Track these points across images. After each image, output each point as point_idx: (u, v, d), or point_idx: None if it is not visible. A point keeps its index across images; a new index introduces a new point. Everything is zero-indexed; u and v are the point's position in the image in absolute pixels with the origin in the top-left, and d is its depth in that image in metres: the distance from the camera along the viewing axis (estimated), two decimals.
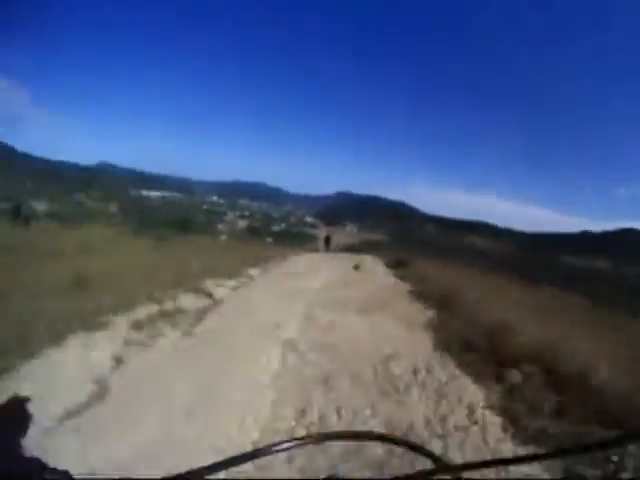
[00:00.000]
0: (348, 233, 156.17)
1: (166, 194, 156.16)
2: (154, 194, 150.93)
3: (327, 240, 30.45)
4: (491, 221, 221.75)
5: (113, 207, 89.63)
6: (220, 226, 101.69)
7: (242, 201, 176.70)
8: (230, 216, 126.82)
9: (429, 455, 0.73)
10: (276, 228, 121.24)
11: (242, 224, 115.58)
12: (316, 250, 31.87)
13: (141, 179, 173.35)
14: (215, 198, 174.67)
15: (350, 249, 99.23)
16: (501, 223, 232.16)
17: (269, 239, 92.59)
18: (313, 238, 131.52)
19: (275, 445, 0.67)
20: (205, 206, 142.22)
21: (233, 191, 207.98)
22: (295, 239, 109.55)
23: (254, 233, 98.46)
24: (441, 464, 0.69)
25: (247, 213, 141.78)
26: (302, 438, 0.70)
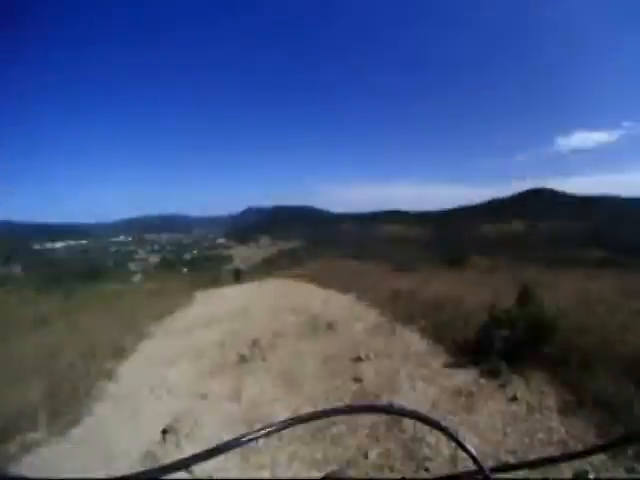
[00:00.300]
0: (263, 247, 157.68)
1: (72, 242, 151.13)
2: (59, 245, 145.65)
3: (236, 274, 30.19)
4: (405, 208, 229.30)
5: (16, 268, 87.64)
6: (132, 265, 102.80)
7: (150, 235, 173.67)
8: (141, 253, 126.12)
9: (438, 427, 0.70)
10: (188, 256, 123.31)
11: (154, 259, 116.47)
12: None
13: (44, 231, 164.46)
14: (122, 237, 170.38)
15: (268, 262, 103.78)
16: (415, 208, 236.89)
17: (184, 269, 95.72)
18: (229, 259, 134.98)
19: (268, 426, 0.66)
20: (113, 248, 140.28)
21: (139, 227, 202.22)
22: (210, 263, 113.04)
23: (167, 266, 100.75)
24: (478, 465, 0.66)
25: (157, 247, 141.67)
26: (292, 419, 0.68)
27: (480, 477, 0.66)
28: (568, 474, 2.41)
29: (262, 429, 0.65)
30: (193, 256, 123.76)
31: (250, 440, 0.62)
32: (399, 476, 2.66)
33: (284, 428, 0.66)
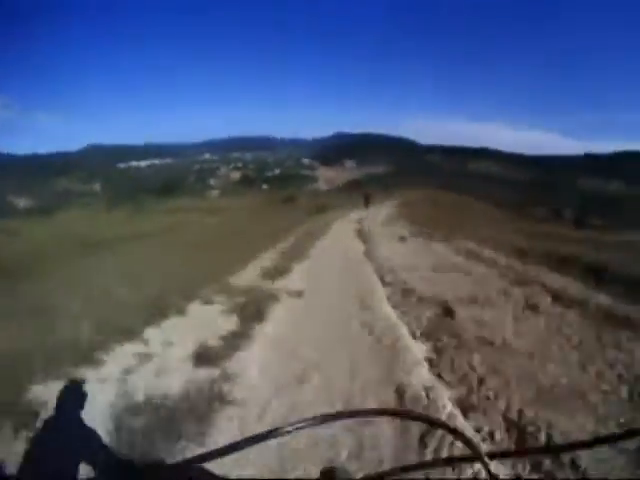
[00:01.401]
0: (348, 169, 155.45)
1: (157, 162, 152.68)
2: (144, 164, 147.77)
3: (367, 198, 28.46)
4: (496, 147, 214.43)
5: (96, 186, 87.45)
6: (213, 181, 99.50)
7: (235, 154, 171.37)
8: (223, 170, 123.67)
9: (449, 429, 0.70)
10: (270, 174, 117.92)
11: (235, 176, 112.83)
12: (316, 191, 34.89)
13: (131, 152, 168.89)
14: (208, 156, 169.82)
15: (354, 184, 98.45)
16: (506, 149, 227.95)
17: (264, 186, 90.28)
18: (311, 179, 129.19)
19: (284, 427, 0.64)
20: (197, 166, 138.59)
21: (226, 146, 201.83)
22: (292, 182, 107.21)
23: (247, 183, 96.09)
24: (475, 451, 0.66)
25: (240, 164, 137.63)
26: (306, 420, 0.66)
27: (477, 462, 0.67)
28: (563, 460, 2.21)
29: (268, 432, 0.63)
30: (275, 174, 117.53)
31: (255, 442, 0.61)
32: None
33: (317, 424, 0.65)
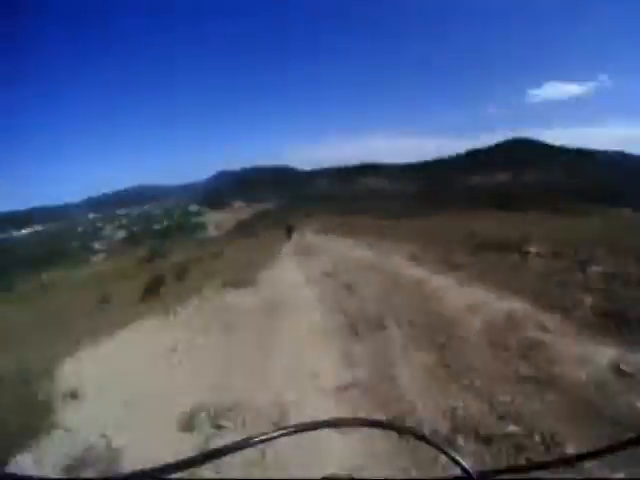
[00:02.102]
0: (237, 210, 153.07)
1: (39, 228, 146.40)
2: (26, 232, 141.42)
3: (289, 230, 28.61)
4: (380, 161, 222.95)
5: None
6: (97, 244, 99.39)
7: (121, 210, 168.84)
8: (108, 230, 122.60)
9: (437, 447, 0.69)
10: (158, 227, 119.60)
11: (120, 234, 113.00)
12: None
13: (13, 219, 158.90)
14: (91, 215, 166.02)
15: (244, 225, 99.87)
16: (387, 161, 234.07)
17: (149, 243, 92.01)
18: (200, 226, 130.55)
19: (259, 435, 0.63)
20: (81, 228, 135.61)
21: (111, 202, 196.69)
22: (181, 232, 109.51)
23: (133, 241, 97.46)
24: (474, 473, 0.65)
25: (125, 221, 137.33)
26: (289, 427, 0.67)
27: None
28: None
29: (255, 437, 0.63)
30: (163, 227, 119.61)
31: (242, 448, 0.60)
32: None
33: (274, 438, 0.64)
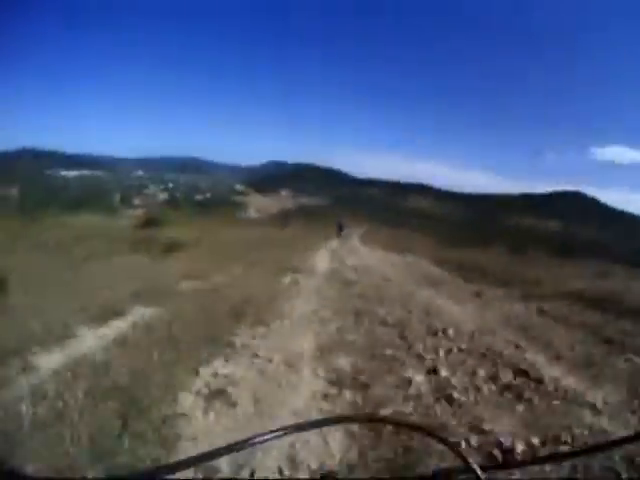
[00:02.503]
0: (283, 199, 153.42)
1: (86, 173, 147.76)
2: (73, 174, 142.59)
3: (340, 227, 27.17)
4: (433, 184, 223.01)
5: (14, 190, 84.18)
6: (137, 200, 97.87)
7: (169, 175, 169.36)
8: (151, 189, 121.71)
9: (443, 441, 0.67)
10: (200, 197, 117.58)
11: (162, 196, 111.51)
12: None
13: (63, 160, 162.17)
14: (140, 173, 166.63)
15: (285, 214, 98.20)
16: (442, 187, 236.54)
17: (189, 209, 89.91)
18: (242, 206, 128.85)
19: (259, 435, 0.62)
20: (127, 182, 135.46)
21: (161, 166, 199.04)
22: (221, 207, 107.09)
23: (174, 204, 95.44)
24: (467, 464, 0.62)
25: (171, 185, 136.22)
26: (287, 427, 0.63)
27: (472, 476, 0.63)
28: (554, 474, 2.21)
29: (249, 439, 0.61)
30: (204, 198, 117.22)
31: (237, 449, 0.59)
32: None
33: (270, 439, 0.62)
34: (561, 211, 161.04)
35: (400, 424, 0.86)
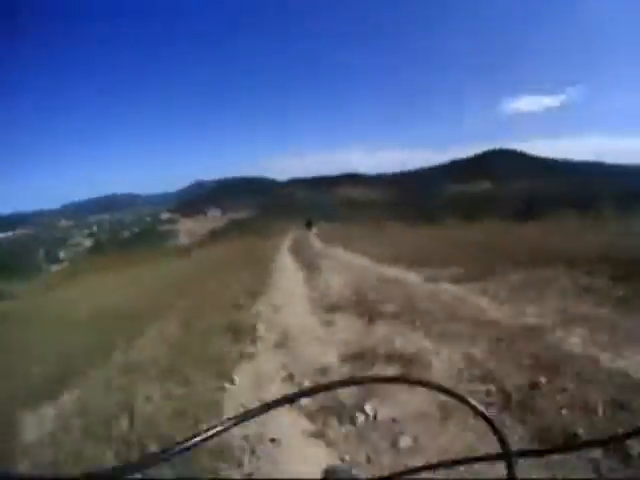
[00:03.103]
0: (211, 219, 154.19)
1: (10, 234, 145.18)
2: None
3: (308, 224, 30.46)
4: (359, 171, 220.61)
5: None
6: (62, 253, 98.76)
7: (93, 217, 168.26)
8: (76, 238, 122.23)
9: (464, 401, 0.62)
10: (127, 234, 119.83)
11: (88, 243, 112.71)
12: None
13: None
14: (63, 222, 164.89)
15: (217, 233, 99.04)
16: (370, 172, 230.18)
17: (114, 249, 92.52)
18: (172, 233, 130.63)
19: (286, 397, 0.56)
20: (49, 235, 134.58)
21: (85, 209, 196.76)
22: (149, 240, 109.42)
23: (99, 249, 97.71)
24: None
25: (95, 228, 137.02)
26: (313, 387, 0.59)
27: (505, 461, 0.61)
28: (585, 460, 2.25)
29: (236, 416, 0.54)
30: (131, 234, 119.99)
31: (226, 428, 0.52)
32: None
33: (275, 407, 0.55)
34: (489, 171, 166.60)
35: (412, 382, 0.62)
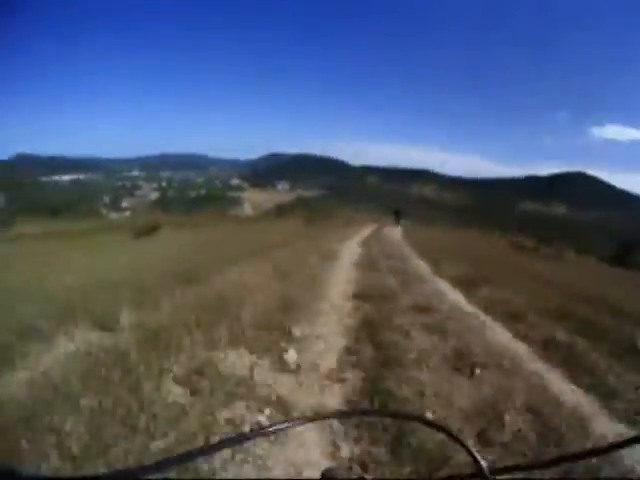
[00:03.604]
0: (280, 192, 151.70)
1: (81, 177, 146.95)
2: (67, 178, 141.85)
3: (397, 214, 27.11)
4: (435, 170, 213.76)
5: (1, 198, 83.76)
6: (126, 202, 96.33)
7: (166, 173, 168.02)
8: (145, 189, 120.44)
9: (445, 431, 0.66)
10: (193, 194, 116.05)
11: (154, 195, 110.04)
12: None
13: (60, 164, 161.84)
14: (136, 173, 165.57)
15: (284, 208, 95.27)
16: (445, 172, 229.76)
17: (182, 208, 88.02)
18: (238, 200, 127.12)
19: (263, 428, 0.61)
20: (120, 183, 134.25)
21: (158, 164, 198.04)
22: (214, 204, 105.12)
23: (165, 204, 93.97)
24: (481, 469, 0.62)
25: (164, 184, 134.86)
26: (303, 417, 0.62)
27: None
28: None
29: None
30: (198, 195, 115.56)
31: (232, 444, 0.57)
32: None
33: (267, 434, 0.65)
34: (568, 194, 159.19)
35: (408, 417, 0.85)
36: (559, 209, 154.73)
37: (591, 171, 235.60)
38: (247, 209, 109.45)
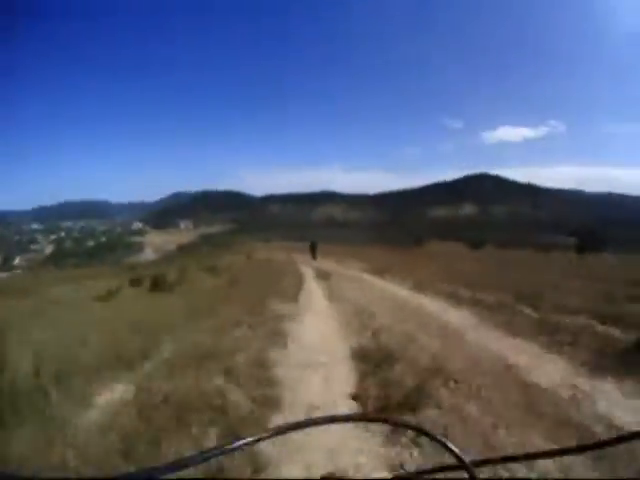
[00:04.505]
0: (184, 231, 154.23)
1: None
2: None
3: (313, 248, 26.00)
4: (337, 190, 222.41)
5: None
6: (19, 259, 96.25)
7: (67, 222, 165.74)
8: (41, 242, 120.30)
9: (434, 438, 0.67)
10: (92, 243, 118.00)
11: (49, 249, 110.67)
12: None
13: None
14: (35, 225, 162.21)
15: (186, 248, 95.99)
16: (349, 191, 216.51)
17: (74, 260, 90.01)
18: (139, 246, 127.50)
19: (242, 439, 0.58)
20: (17, 237, 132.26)
21: (59, 213, 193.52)
22: (114, 252, 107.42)
23: (60, 257, 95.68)
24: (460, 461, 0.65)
25: (63, 234, 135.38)
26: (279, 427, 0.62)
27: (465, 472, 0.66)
28: (551, 468, 2.30)
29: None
30: (98, 243, 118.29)
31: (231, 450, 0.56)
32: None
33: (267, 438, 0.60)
34: (475, 194, 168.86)
35: (397, 424, 0.87)
36: (470, 209, 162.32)
37: (493, 171, 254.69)
38: (148, 254, 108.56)
